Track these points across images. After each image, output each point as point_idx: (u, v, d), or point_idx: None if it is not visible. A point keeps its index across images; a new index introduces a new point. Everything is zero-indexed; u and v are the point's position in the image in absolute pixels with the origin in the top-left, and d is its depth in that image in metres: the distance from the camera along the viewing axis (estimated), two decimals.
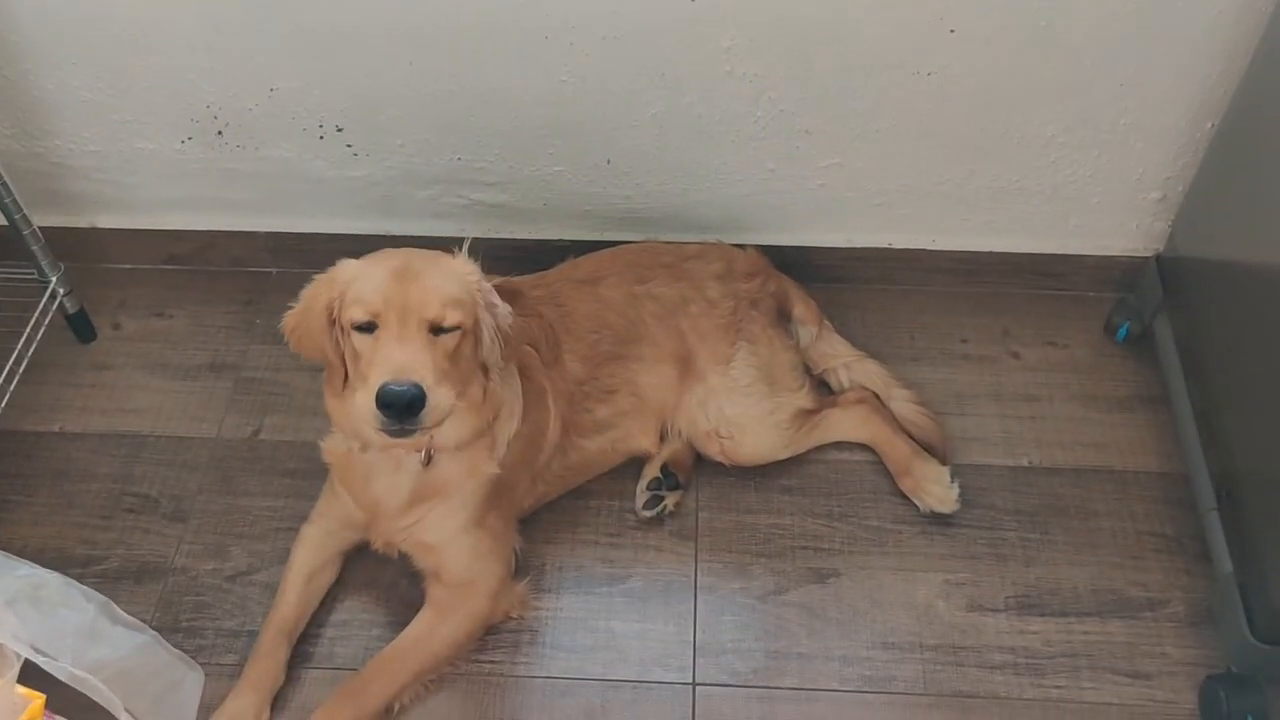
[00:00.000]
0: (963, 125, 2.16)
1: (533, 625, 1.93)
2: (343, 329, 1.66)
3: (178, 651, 1.57)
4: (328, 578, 1.95)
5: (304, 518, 1.99)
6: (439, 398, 1.59)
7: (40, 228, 2.18)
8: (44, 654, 1.29)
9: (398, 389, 1.54)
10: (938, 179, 2.27)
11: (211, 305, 2.45)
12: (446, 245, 2.35)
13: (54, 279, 2.23)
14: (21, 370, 2.14)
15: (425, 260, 1.69)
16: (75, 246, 2.43)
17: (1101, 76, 2.06)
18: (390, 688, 1.78)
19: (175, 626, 1.93)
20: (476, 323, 1.68)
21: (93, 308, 2.38)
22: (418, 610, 1.89)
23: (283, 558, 1.96)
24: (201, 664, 1.86)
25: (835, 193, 2.30)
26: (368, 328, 1.63)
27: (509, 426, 1.84)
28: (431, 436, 1.72)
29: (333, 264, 2.37)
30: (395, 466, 1.79)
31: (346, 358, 1.69)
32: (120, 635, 1.43)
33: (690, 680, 1.87)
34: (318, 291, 1.72)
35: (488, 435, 1.80)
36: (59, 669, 1.31)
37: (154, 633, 1.53)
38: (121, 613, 1.47)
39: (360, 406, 1.61)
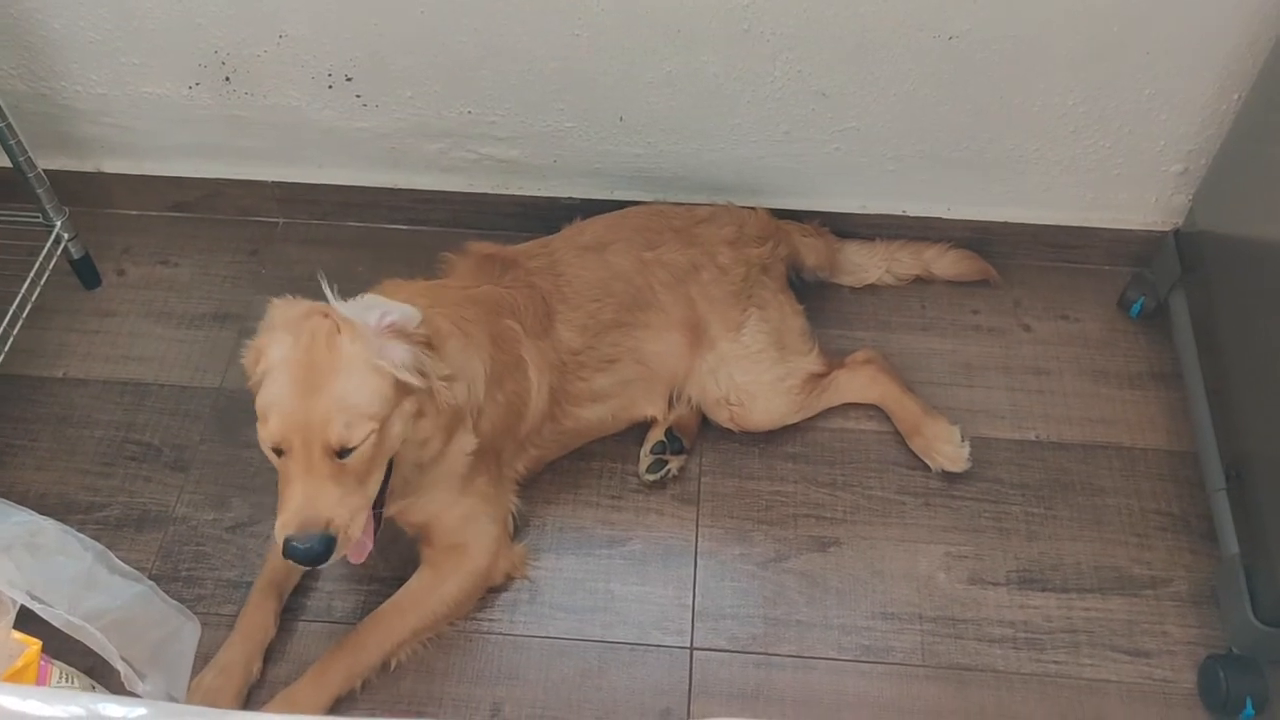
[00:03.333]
0: (984, 92, 2.12)
1: (532, 585, 1.93)
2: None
3: (174, 602, 1.57)
4: None
5: None
6: (353, 529, 1.55)
7: (45, 171, 2.16)
8: (40, 601, 1.29)
9: (301, 548, 1.51)
10: (955, 146, 2.22)
11: (217, 254, 2.43)
12: (456, 200, 2.39)
13: (59, 223, 2.21)
14: (25, 315, 2.12)
15: (328, 358, 1.54)
16: (80, 191, 2.41)
17: (1128, 44, 2.01)
18: (387, 643, 1.78)
19: (175, 576, 1.93)
20: (400, 388, 1.58)
21: (97, 254, 2.36)
22: (413, 564, 1.88)
23: None
24: (200, 614, 1.86)
25: (850, 157, 2.26)
26: (277, 451, 1.56)
27: (473, 397, 1.75)
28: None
29: (338, 216, 2.45)
30: None
31: None
32: (117, 584, 1.42)
33: (688, 644, 1.87)
34: (259, 347, 1.62)
35: (456, 421, 1.74)
36: (55, 616, 1.31)
37: (150, 583, 1.52)
38: (118, 562, 1.47)
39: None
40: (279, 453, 1.57)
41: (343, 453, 1.55)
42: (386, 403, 1.57)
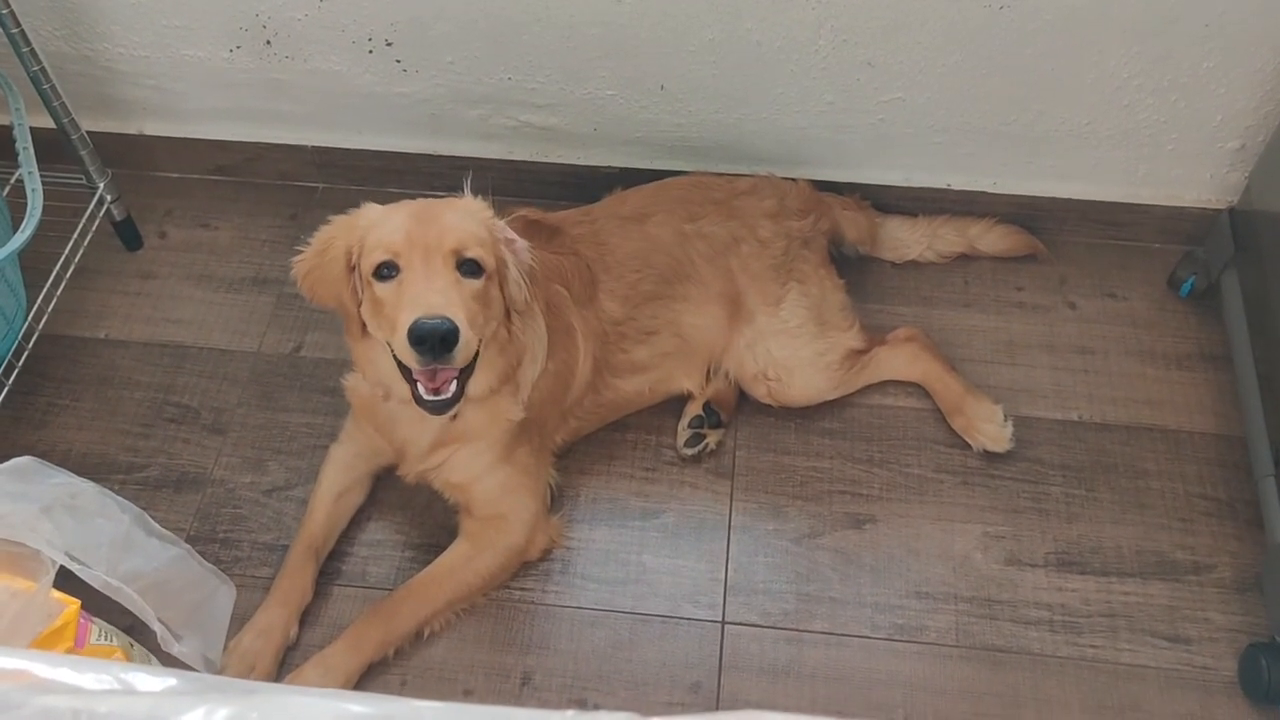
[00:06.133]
0: (1034, 63, 2.06)
1: (564, 555, 1.93)
2: (362, 277, 1.63)
3: (210, 565, 1.58)
4: (356, 498, 1.95)
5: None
6: (469, 336, 1.56)
7: (89, 132, 2.17)
8: (79, 561, 1.30)
9: (431, 323, 1.50)
10: (1003, 119, 2.17)
11: (256, 218, 2.43)
12: (496, 167, 2.37)
13: (101, 185, 2.23)
14: (69, 276, 2.15)
15: (441, 203, 1.66)
16: (123, 153, 2.42)
17: (1186, 15, 1.95)
18: (421, 612, 1.79)
19: (212, 537, 1.95)
20: (500, 263, 1.65)
21: (139, 216, 2.37)
22: (451, 533, 1.89)
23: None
24: (236, 576, 1.89)
25: (895, 129, 2.22)
26: (390, 272, 1.59)
27: (532, 370, 1.80)
28: (455, 413, 1.72)
29: (377, 182, 2.44)
30: (419, 414, 1.71)
31: (364, 308, 1.66)
32: (154, 547, 1.44)
33: (720, 618, 1.86)
34: (333, 235, 1.68)
35: (511, 380, 1.77)
36: (94, 577, 1.32)
37: (187, 546, 1.53)
38: (155, 525, 1.48)
39: (395, 355, 1.58)
40: (390, 273, 1.58)
41: (462, 266, 1.58)
42: (492, 255, 1.62)
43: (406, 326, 1.52)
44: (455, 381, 1.62)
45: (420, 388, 1.61)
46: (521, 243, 1.71)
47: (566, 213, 2.05)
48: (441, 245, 1.58)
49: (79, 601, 1.33)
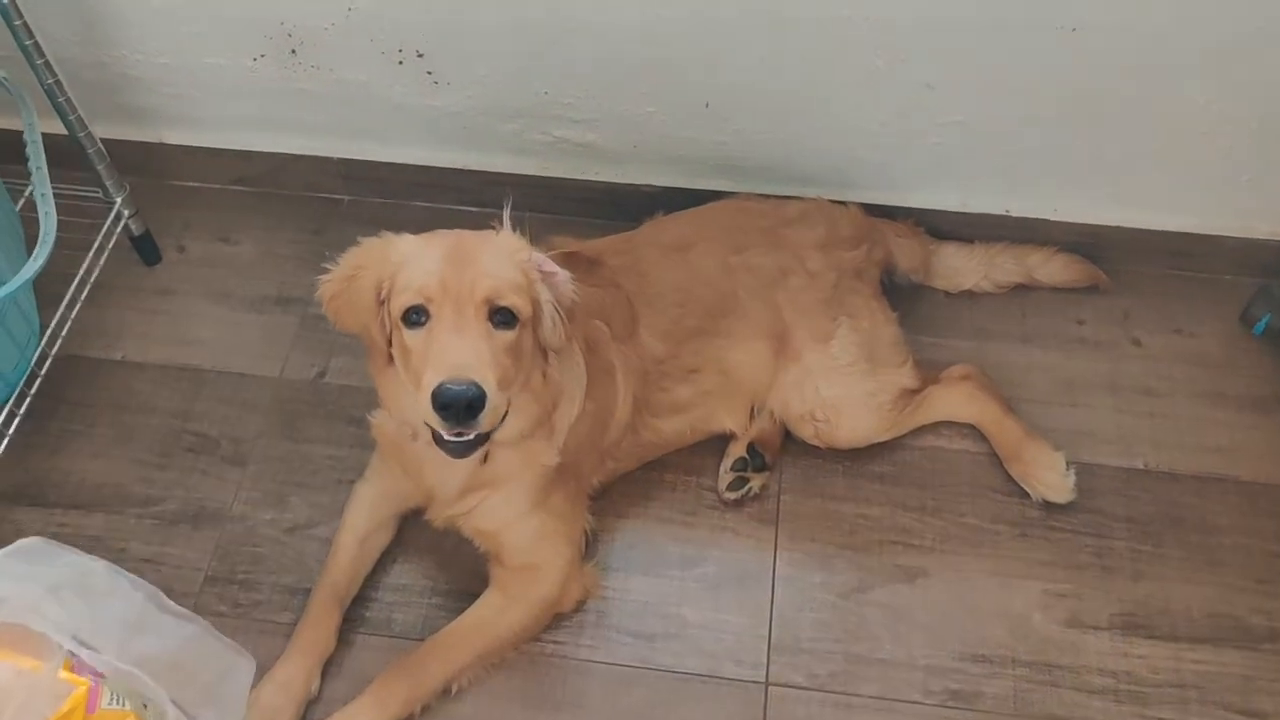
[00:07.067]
0: (1105, 87, 1.94)
1: (599, 606, 1.83)
2: (391, 316, 1.53)
3: (228, 640, 1.49)
4: (382, 540, 1.86)
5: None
6: (497, 400, 1.46)
7: (105, 140, 2.08)
8: (87, 645, 1.21)
9: (456, 389, 1.41)
10: (1069, 144, 2.05)
11: (279, 232, 2.33)
12: (529, 183, 2.26)
13: (119, 200, 2.13)
14: (85, 294, 2.06)
15: (477, 241, 1.54)
16: (140, 161, 2.33)
17: (1271, 41, 1.81)
18: (450, 668, 1.70)
19: (231, 578, 1.86)
20: (536, 308, 1.54)
21: (157, 228, 2.28)
22: (481, 579, 1.80)
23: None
24: (256, 621, 1.80)
25: (953, 152, 2.10)
26: (419, 318, 1.49)
27: (569, 413, 1.71)
28: (486, 454, 1.63)
29: (405, 196, 2.34)
30: (447, 458, 1.60)
31: (394, 349, 1.57)
32: (169, 625, 1.35)
33: (763, 679, 1.76)
34: (363, 264, 1.58)
35: (546, 423, 1.67)
36: (103, 662, 1.24)
37: (204, 622, 1.44)
38: (170, 602, 1.39)
39: (418, 408, 1.48)
40: (418, 318, 1.49)
41: (495, 316, 1.48)
42: (528, 302, 1.51)
43: (431, 389, 1.43)
44: None
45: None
46: (562, 274, 1.60)
47: (605, 241, 1.94)
48: (474, 294, 1.47)
49: (88, 682, 1.24)
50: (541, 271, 1.56)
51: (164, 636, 1.32)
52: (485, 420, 1.45)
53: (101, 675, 1.21)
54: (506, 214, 1.59)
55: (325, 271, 1.64)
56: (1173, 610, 1.82)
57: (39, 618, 1.17)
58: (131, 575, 1.36)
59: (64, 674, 1.22)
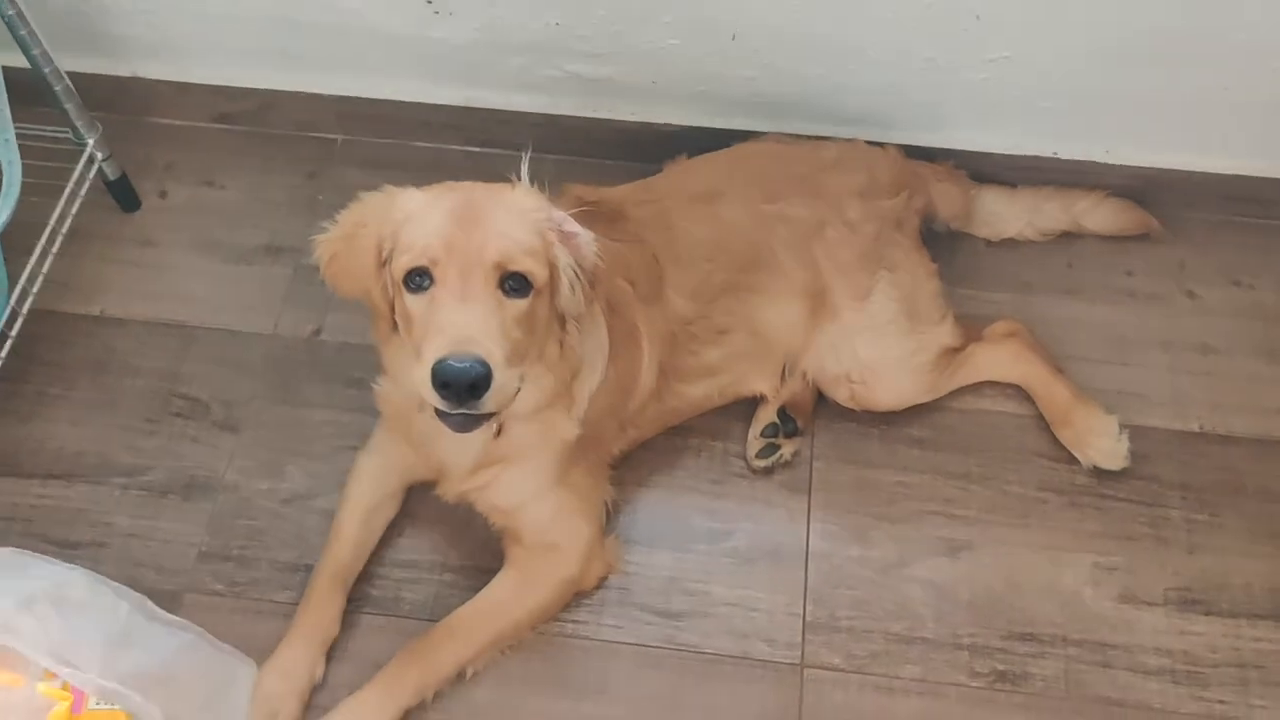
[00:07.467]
0: (1171, 21, 1.79)
1: (622, 582, 1.72)
2: (394, 279, 1.38)
3: (226, 646, 1.36)
4: (387, 514, 1.74)
5: (369, 437, 1.77)
6: (505, 378, 1.31)
7: (74, 74, 1.90)
8: (69, 664, 1.09)
9: (458, 366, 1.27)
10: (1127, 83, 1.90)
11: (270, 175, 2.17)
12: (538, 123, 2.10)
13: (91, 141, 1.96)
14: (58, 244, 1.90)
15: (490, 197, 1.39)
16: (114, 97, 2.16)
17: None
18: (464, 653, 1.59)
19: (226, 554, 1.74)
20: (553, 273, 1.40)
21: (136, 171, 2.11)
22: (495, 553, 1.68)
23: (344, 482, 1.74)
24: (253, 600, 1.69)
25: (1001, 90, 1.94)
26: (421, 281, 1.35)
27: (590, 382, 1.57)
28: (500, 428, 1.49)
29: (405, 136, 2.17)
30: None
31: (397, 315, 1.42)
32: (158, 635, 1.22)
33: (798, 660, 1.66)
34: (364, 220, 1.43)
35: (565, 395, 1.54)
36: (86, 681, 1.11)
37: (198, 629, 1.31)
38: (159, 610, 1.26)
39: (415, 382, 1.34)
40: (421, 281, 1.34)
41: (506, 282, 1.34)
42: (544, 268, 1.37)
43: (431, 363, 1.29)
44: None
45: None
46: (585, 235, 1.44)
47: (625, 189, 1.78)
48: (484, 257, 1.33)
49: (71, 697, 1.11)
50: (561, 232, 1.41)
51: (153, 648, 1.20)
52: (491, 401, 1.31)
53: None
54: (525, 165, 1.43)
55: (321, 220, 1.49)
56: (1231, 585, 1.71)
57: (12, 635, 1.04)
58: (115, 584, 1.23)
59: (43, 686, 1.09)
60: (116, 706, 1.30)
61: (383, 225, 1.40)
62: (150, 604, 1.26)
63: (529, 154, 1.44)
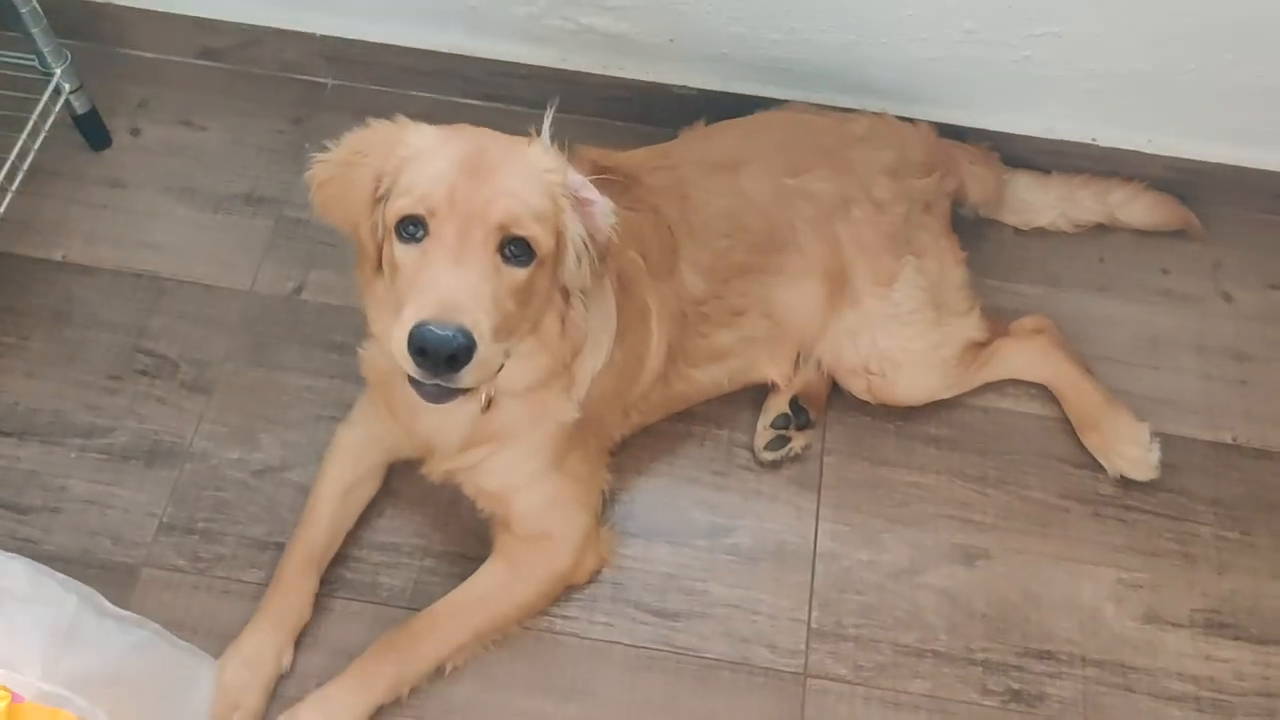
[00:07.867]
0: (1230, 4, 1.65)
1: (615, 576, 1.61)
2: (385, 222, 1.26)
3: (184, 644, 1.23)
4: (367, 492, 1.62)
5: (350, 406, 1.64)
6: (489, 353, 1.19)
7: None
8: (5, 664, 0.96)
9: (439, 333, 1.15)
10: (1177, 68, 1.78)
11: (252, 118, 2.02)
12: (544, 77, 1.95)
13: (59, 71, 1.80)
14: (18, 181, 1.75)
15: (504, 150, 1.26)
16: (84, 23, 2.01)
17: None
18: (444, 647, 1.47)
19: (190, 527, 1.61)
20: (560, 242, 1.27)
21: (107, 106, 1.96)
22: (481, 539, 1.57)
23: (321, 455, 1.62)
24: (218, 579, 1.57)
25: (1042, 69, 1.82)
26: (415, 230, 1.22)
27: (593, 362, 1.45)
28: (489, 395, 1.37)
29: (399, 84, 2.02)
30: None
31: (384, 259, 1.30)
32: (109, 633, 1.08)
33: (801, 670, 1.55)
34: (365, 150, 1.30)
35: (564, 374, 1.42)
36: (25, 685, 0.98)
37: (154, 625, 1.18)
38: (110, 605, 1.13)
39: (391, 342, 1.21)
40: (414, 230, 1.22)
41: (508, 247, 1.22)
42: (551, 235, 1.25)
43: (410, 324, 1.16)
44: None
45: None
46: (603, 204, 1.32)
47: (640, 154, 1.65)
48: (487, 216, 1.20)
49: (9, 694, 0.99)
50: (576, 198, 1.28)
51: (103, 647, 1.07)
52: (470, 375, 1.19)
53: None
54: (548, 120, 1.30)
55: (306, 170, 1.35)
56: (1262, 609, 1.62)
57: None
58: (61, 575, 1.09)
59: None
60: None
61: (385, 159, 1.27)
62: (100, 598, 1.13)
63: (553, 108, 1.31)
